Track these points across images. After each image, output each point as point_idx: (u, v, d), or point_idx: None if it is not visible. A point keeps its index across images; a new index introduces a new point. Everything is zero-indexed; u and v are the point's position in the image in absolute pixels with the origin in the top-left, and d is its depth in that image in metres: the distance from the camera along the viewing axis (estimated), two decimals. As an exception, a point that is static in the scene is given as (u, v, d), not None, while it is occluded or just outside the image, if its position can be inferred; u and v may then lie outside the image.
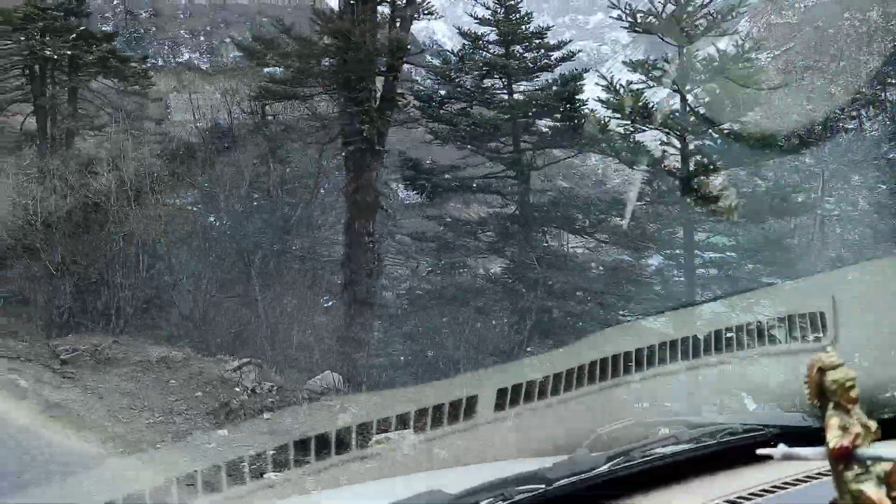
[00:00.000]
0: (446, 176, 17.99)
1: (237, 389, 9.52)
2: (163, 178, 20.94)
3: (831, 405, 1.53)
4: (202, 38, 61.08)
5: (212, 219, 18.19)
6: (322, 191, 18.82)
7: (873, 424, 1.55)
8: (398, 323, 15.02)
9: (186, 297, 16.52)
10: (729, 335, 3.04)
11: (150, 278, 18.96)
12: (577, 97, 17.87)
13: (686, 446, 2.24)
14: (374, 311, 14.50)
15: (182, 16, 61.17)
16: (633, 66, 14.53)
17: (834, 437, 1.50)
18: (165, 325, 15.63)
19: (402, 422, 3.27)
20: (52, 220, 21.17)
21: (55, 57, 26.32)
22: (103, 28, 37.25)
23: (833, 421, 1.51)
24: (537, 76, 19.03)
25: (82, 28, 28.09)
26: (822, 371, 1.54)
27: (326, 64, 14.29)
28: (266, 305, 14.87)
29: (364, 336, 13.37)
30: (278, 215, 17.36)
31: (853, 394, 1.52)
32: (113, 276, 19.41)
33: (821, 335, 2.85)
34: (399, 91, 15.50)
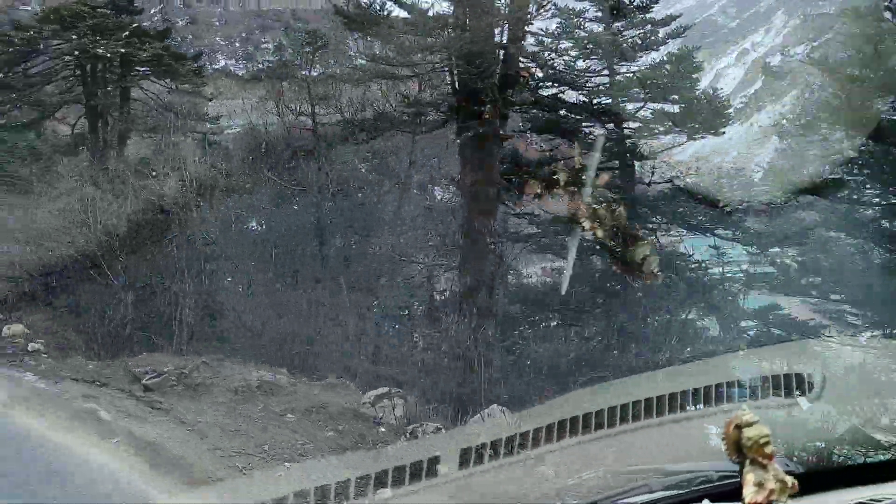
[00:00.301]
0: (545, 168, 16.08)
1: (383, 430, 7.70)
2: (229, 180, 19.41)
3: (748, 461, 1.58)
4: (238, 45, 60.69)
5: (285, 222, 16.52)
6: (415, 187, 16.93)
7: (790, 480, 1.60)
8: (522, 334, 13.15)
9: (263, 309, 14.87)
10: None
11: (218, 287, 17.38)
12: (693, 76, 15.87)
13: (658, 495, 2.16)
14: (500, 322, 12.59)
15: (218, 23, 60.80)
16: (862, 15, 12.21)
17: (749, 493, 1.56)
18: (240, 341, 13.97)
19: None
20: (111, 226, 19.76)
21: (108, 55, 25.00)
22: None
23: (749, 477, 1.57)
24: (641, 56, 17.04)
25: (135, 25, 26.79)
26: (739, 428, 1.58)
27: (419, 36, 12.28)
28: (360, 318, 13.11)
29: (492, 354, 11.46)
30: (363, 216, 15.52)
31: (768, 450, 1.56)
32: (177, 284, 17.89)
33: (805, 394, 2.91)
34: (523, 66, 13.53)
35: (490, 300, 11.85)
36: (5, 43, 25.27)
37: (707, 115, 15.08)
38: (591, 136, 17.19)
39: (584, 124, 16.45)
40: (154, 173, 22.09)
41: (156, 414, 8.58)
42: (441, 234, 15.04)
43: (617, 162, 17.04)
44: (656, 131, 16.87)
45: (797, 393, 2.92)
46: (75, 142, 26.34)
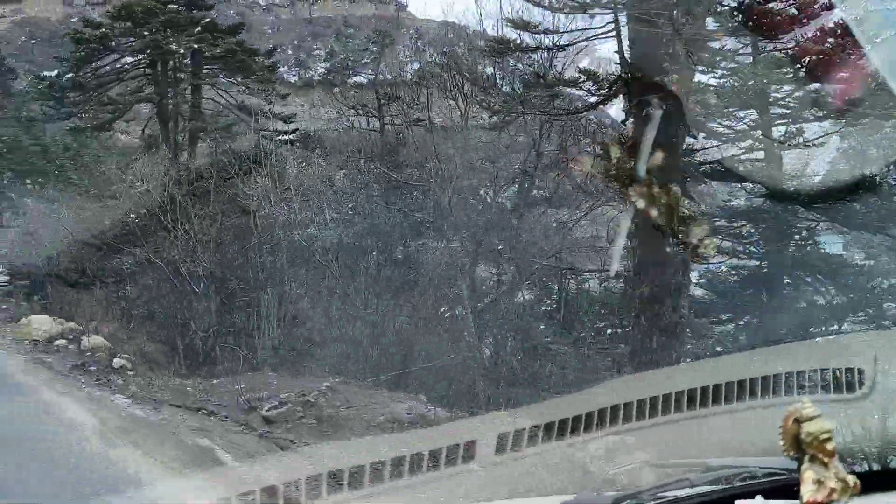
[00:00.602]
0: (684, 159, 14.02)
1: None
2: (316, 179, 17.87)
3: (807, 458, 1.48)
4: (290, 52, 60.34)
5: (388, 224, 14.75)
6: (533, 182, 14.74)
7: (852, 479, 1.49)
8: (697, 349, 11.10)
9: (368, 322, 13.11)
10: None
11: (314, 296, 15.73)
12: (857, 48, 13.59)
13: (700, 489, 2.12)
14: (686, 342, 10.52)
15: (269, 31, 60.50)
16: None
17: (808, 492, 1.45)
18: (350, 360, 12.21)
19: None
20: (190, 228, 18.34)
21: (181, 51, 23.87)
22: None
23: (808, 474, 1.47)
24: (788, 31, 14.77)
25: (207, 20, 25.61)
26: (799, 422, 1.49)
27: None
28: (493, 336, 11.18)
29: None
30: (487, 215, 13.47)
31: (830, 447, 1.47)
32: (266, 292, 16.34)
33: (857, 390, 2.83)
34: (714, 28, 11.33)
35: (674, 313, 9.83)
36: (77, 41, 24.36)
37: (877, 98, 12.78)
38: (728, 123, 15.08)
39: (728, 109, 14.32)
40: (231, 173, 20.72)
41: (290, 458, 6.82)
42: (593, 236, 12.94)
43: (762, 153, 14.89)
44: (809, 118, 14.66)
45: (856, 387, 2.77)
46: (147, 142, 25.25)
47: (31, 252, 28.84)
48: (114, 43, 24.11)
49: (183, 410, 9.29)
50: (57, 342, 15.59)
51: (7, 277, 33.25)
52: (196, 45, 23.99)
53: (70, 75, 24.97)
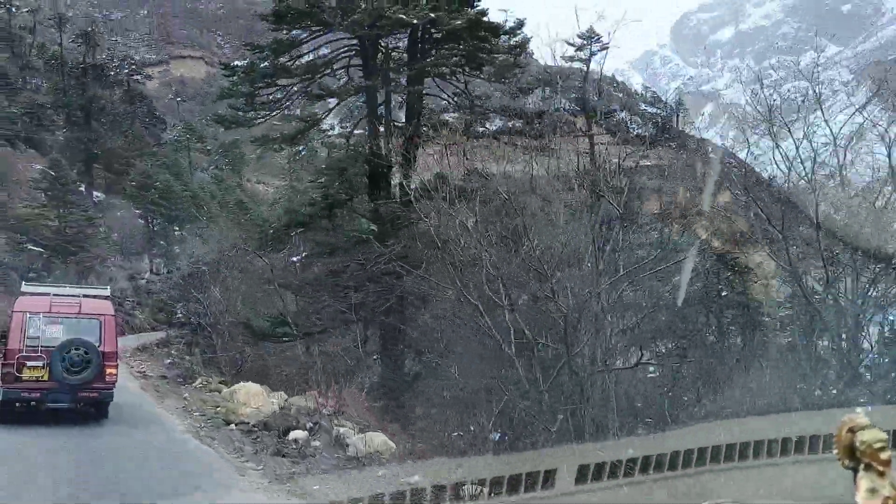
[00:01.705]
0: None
1: None
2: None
3: (862, 466, 1.48)
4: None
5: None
6: None
7: None
8: None
9: None
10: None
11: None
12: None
13: None
14: None
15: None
16: None
17: (861, 499, 1.46)
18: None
19: None
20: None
21: (414, 22, 17.67)
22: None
23: (862, 483, 1.47)
24: None
25: (439, -16, 19.35)
26: (853, 432, 1.50)
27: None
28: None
29: None
30: None
31: (884, 455, 1.46)
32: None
33: None
34: None
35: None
36: (278, 17, 18.86)
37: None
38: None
39: None
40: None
41: None
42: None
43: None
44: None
45: None
46: (354, 145, 19.12)
47: (194, 299, 23.26)
48: (325, 16, 18.23)
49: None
50: (294, 435, 8.77)
51: (164, 325, 28.00)
52: (433, 15, 17.71)
53: (265, 64, 19.26)
